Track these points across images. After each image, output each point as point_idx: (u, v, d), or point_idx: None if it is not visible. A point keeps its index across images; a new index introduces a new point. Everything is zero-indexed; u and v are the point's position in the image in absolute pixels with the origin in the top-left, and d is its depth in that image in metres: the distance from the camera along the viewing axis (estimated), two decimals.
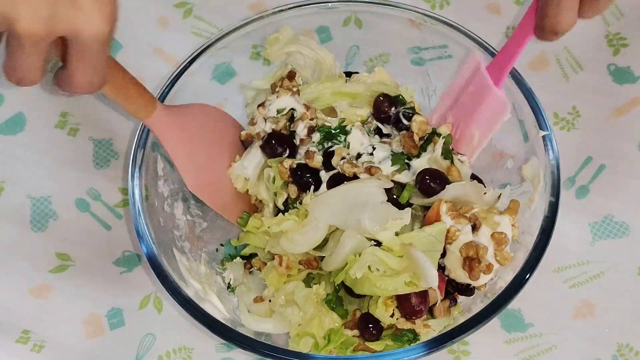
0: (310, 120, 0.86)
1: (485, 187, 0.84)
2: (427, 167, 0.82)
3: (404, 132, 0.85)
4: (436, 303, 0.79)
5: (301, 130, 0.85)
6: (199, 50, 0.86)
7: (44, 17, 0.57)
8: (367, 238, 0.77)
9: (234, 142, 0.89)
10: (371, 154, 0.83)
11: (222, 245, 0.90)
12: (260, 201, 0.88)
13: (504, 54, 0.78)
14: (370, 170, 0.81)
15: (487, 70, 0.80)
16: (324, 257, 0.80)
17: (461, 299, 0.82)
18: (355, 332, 0.80)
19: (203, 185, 0.84)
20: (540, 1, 0.70)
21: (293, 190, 0.84)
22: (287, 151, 0.85)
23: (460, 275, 0.78)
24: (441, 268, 0.79)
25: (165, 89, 0.84)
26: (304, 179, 0.83)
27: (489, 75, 0.80)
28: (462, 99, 0.84)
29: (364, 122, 0.87)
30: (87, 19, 0.59)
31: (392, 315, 0.78)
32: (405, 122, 0.85)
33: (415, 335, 0.78)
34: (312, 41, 0.90)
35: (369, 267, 0.76)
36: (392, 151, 0.84)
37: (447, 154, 0.83)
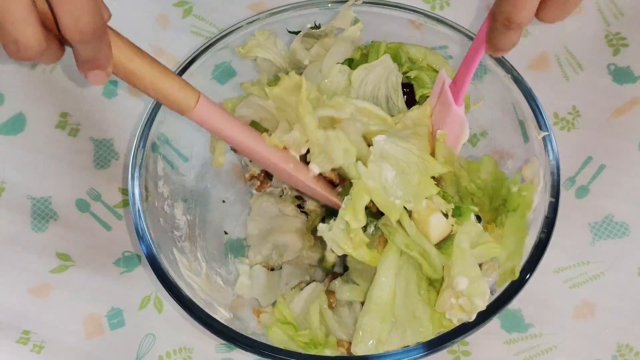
0: None
1: None
2: None
3: None
4: None
5: None
6: (199, 50, 0.86)
7: None
8: None
9: None
10: None
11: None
12: None
13: (461, 70, 0.74)
14: None
15: (449, 88, 0.76)
16: None
17: None
18: None
19: None
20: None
21: None
22: None
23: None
24: None
25: None
26: None
27: (451, 92, 0.76)
28: (433, 118, 0.80)
29: None
30: None
31: None
32: None
33: None
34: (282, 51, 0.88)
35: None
36: None
37: None
